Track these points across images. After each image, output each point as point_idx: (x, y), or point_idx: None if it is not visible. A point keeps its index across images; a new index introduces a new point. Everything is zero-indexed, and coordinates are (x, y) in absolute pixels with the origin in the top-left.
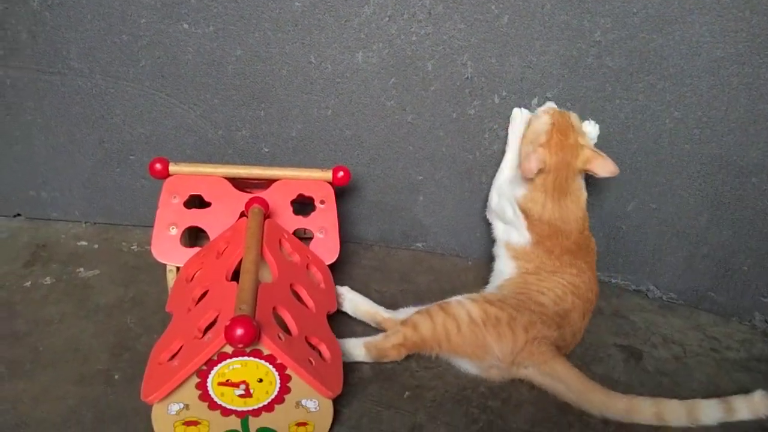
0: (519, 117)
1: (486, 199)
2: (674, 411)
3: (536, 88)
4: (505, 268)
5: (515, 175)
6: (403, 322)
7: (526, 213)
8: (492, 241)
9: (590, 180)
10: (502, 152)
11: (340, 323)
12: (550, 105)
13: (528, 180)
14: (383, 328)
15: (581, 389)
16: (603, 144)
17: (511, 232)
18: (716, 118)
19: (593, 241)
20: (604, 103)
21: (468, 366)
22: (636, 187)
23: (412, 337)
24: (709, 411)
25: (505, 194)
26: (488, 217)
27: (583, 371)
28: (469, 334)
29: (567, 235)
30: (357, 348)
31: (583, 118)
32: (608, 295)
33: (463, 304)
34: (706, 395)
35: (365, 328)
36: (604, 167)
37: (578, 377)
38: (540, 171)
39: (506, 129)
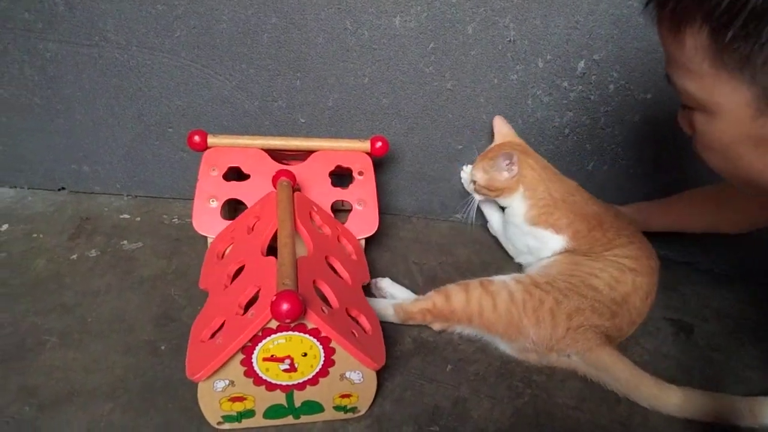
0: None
1: None
2: (737, 408)
3: (583, 51)
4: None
5: (508, 210)
6: (437, 290)
7: (545, 220)
8: None
9: (634, 149)
10: (546, 119)
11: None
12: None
13: (517, 189)
14: None
15: (630, 381)
16: (656, 109)
17: (541, 252)
18: None
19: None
20: (656, 65)
21: (502, 345)
22: (690, 155)
23: (441, 306)
24: None
25: (519, 232)
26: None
27: (633, 345)
28: (504, 314)
29: (587, 203)
30: (387, 309)
31: (633, 80)
32: None
33: (506, 284)
34: (763, 372)
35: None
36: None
37: (626, 368)
38: (517, 166)
39: (550, 94)
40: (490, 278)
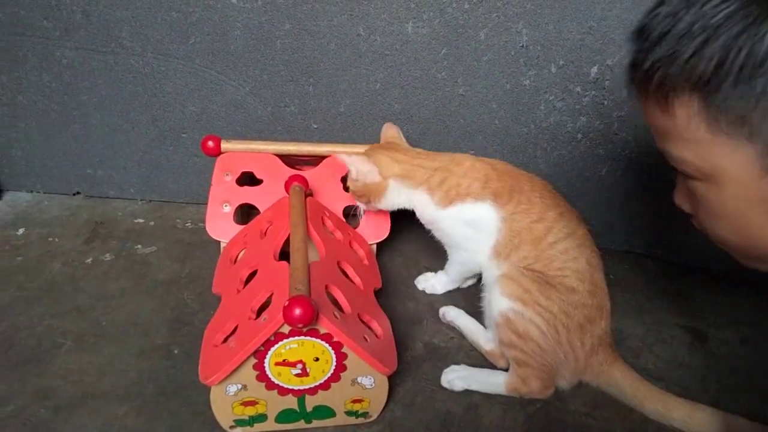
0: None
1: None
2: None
3: (596, 56)
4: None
5: (420, 214)
6: (517, 372)
7: (455, 194)
8: None
9: (648, 154)
10: (559, 124)
11: (394, 301)
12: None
13: (388, 186)
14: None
15: (636, 397)
16: None
17: (485, 233)
18: None
19: None
20: None
21: None
22: None
23: (527, 353)
24: None
25: (449, 227)
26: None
27: (646, 353)
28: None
29: (490, 162)
30: (499, 386)
31: None
32: (671, 274)
33: (532, 320)
34: None
35: (416, 304)
36: None
37: (633, 384)
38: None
39: (563, 99)
40: (507, 315)
